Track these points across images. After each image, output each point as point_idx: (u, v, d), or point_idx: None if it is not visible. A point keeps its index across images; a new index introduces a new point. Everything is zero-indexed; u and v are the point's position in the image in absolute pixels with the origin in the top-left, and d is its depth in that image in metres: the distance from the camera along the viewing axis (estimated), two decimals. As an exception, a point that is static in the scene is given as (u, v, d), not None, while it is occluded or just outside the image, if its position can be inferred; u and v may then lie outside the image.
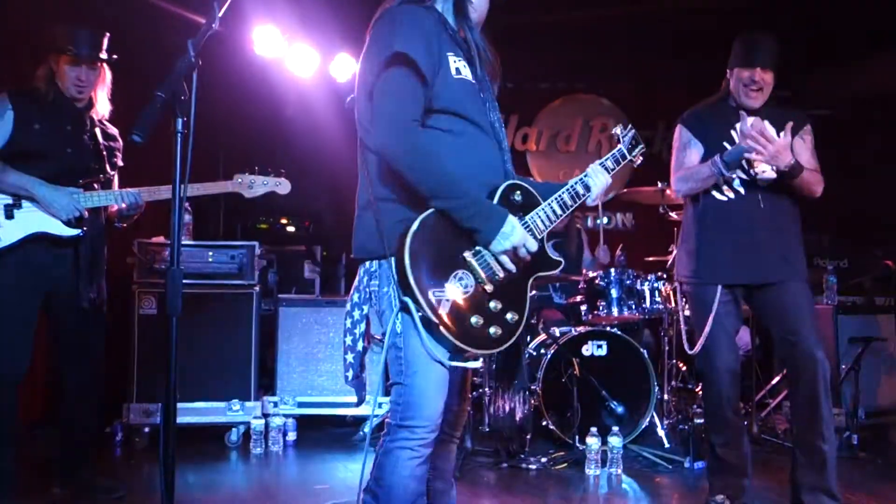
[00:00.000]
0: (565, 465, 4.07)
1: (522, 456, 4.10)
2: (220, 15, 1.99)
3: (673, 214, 4.56)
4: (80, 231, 3.21)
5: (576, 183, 2.21)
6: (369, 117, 1.96)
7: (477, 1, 2.10)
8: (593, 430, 3.99)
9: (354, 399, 4.99)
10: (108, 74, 3.35)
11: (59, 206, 3.13)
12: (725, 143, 3.14)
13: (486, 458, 4.16)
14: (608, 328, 4.52)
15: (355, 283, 2.08)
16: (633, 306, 4.47)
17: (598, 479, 3.88)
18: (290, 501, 3.52)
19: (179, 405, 3.99)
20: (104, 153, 3.35)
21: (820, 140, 3.25)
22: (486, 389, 4.63)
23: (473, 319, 1.90)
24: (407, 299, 1.87)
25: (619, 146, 2.41)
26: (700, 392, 4.49)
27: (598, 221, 5.74)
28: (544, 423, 4.29)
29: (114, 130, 3.45)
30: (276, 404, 4.67)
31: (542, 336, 4.73)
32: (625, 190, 5.27)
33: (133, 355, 4.45)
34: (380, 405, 4.77)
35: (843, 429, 4.43)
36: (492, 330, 1.94)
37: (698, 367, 3.29)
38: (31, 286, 3.18)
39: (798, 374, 3.05)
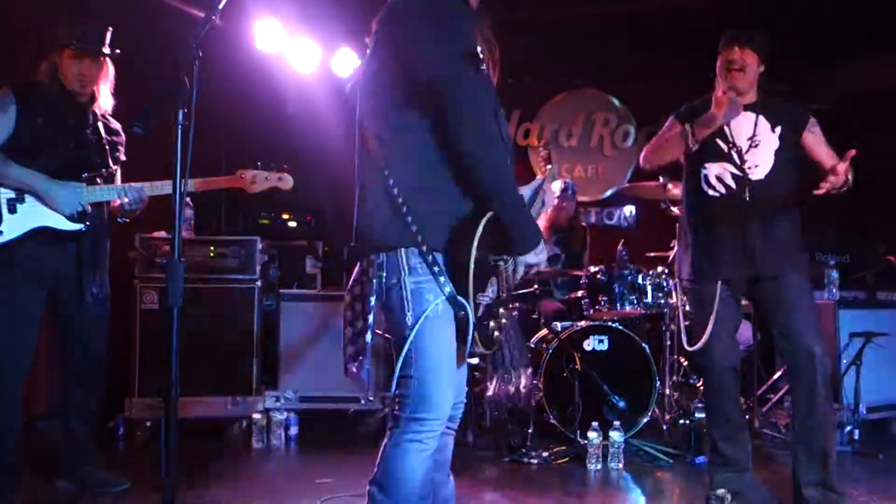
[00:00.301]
0: (566, 459, 4.08)
1: (524, 450, 4.11)
2: (220, 8, 1.98)
3: (674, 210, 4.56)
4: (83, 226, 3.21)
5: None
6: (387, 104, 1.94)
7: None
8: (594, 424, 3.99)
9: (356, 394, 5.02)
10: (110, 69, 3.35)
11: (62, 200, 3.13)
12: (717, 140, 3.13)
13: (487, 453, 4.16)
14: (610, 323, 4.52)
15: (355, 274, 2.06)
16: (635, 301, 4.47)
17: (600, 473, 3.89)
18: (292, 496, 3.52)
19: (181, 399, 4.00)
20: (107, 148, 3.35)
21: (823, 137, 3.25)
22: (488, 384, 4.62)
23: (492, 324, 1.98)
24: (460, 298, 1.90)
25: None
26: (701, 387, 4.50)
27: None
28: (546, 418, 4.29)
29: (116, 125, 3.45)
30: (277, 399, 4.68)
31: (544, 331, 4.73)
32: (627, 185, 5.27)
33: (135, 350, 4.46)
34: (381, 399, 4.78)
35: (844, 423, 4.43)
36: (496, 333, 2.02)
37: (699, 363, 3.30)
38: (35, 281, 3.18)
39: (797, 370, 3.05)
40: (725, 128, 3.08)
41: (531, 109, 7.10)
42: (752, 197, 3.08)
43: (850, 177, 2.97)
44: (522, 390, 4.49)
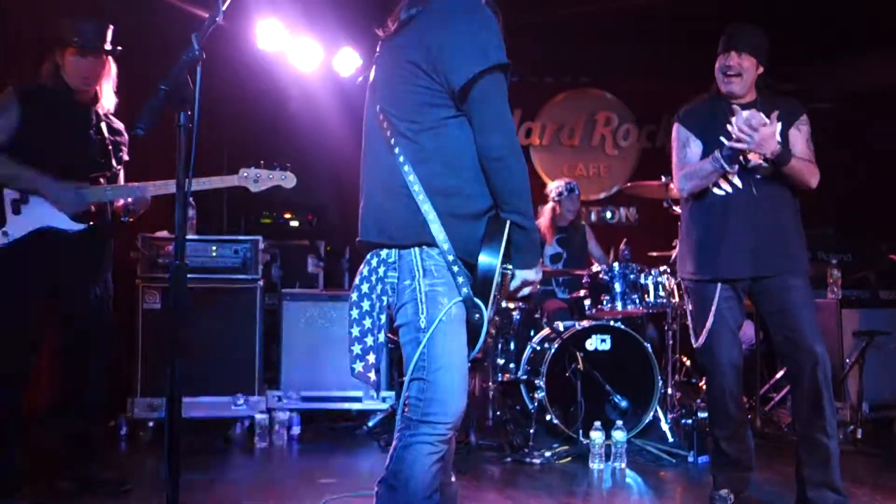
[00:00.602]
0: (569, 459, 4.08)
1: (526, 450, 4.11)
2: (223, 8, 1.98)
3: (676, 208, 4.54)
4: (86, 226, 3.21)
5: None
6: (416, 100, 1.93)
7: None
8: (597, 424, 3.99)
9: (359, 393, 5.02)
10: (113, 68, 3.34)
11: (65, 200, 3.14)
12: (722, 138, 3.12)
13: (490, 453, 4.16)
14: (612, 322, 4.52)
15: (362, 272, 2.03)
16: (637, 301, 4.46)
17: (602, 473, 3.89)
18: (295, 495, 3.52)
19: (184, 399, 3.99)
20: (110, 148, 3.35)
21: (823, 134, 3.24)
22: (490, 384, 4.63)
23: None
24: (478, 300, 1.91)
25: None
26: (703, 386, 4.49)
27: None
28: (548, 418, 4.29)
29: (119, 125, 3.45)
30: (280, 398, 4.68)
31: (546, 330, 4.72)
32: (628, 184, 5.27)
33: (137, 350, 4.46)
34: (383, 399, 4.79)
35: (847, 422, 4.43)
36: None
37: (701, 363, 3.29)
38: (39, 281, 3.18)
39: (799, 371, 3.04)
40: (729, 127, 3.08)
41: (533, 109, 7.10)
42: (756, 195, 3.08)
43: (778, 147, 2.93)
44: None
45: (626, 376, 4.36)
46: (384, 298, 1.98)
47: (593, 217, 7.03)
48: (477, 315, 1.91)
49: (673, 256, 4.80)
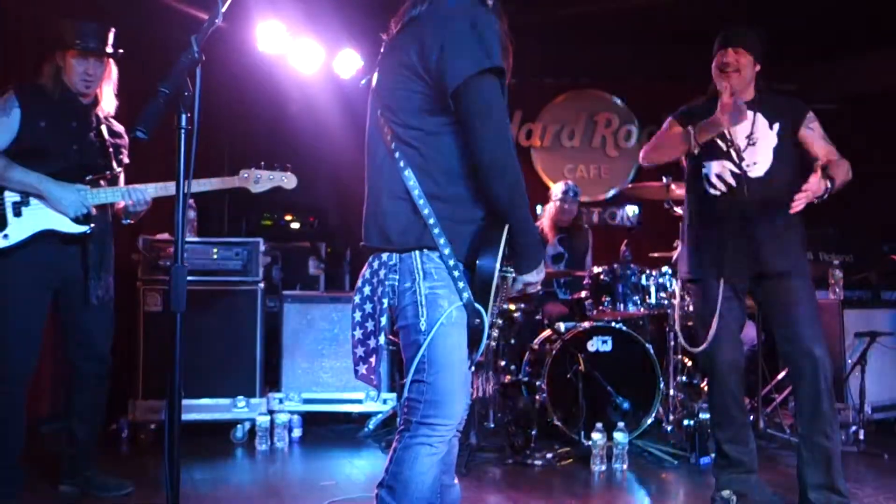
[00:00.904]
0: (571, 460, 4.07)
1: (528, 452, 4.10)
2: (223, 10, 1.98)
3: (677, 210, 4.54)
4: (87, 228, 3.21)
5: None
6: (416, 105, 1.93)
7: None
8: (598, 425, 3.98)
9: (360, 395, 5.02)
10: (114, 70, 3.34)
11: (66, 202, 3.13)
12: (717, 139, 3.12)
13: (491, 454, 4.16)
14: (613, 324, 4.51)
15: (364, 275, 2.04)
16: (638, 302, 4.46)
17: (604, 474, 3.88)
18: (296, 498, 3.52)
19: (185, 402, 3.99)
20: (110, 150, 3.34)
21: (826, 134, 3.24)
22: (491, 385, 4.62)
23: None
24: (478, 305, 1.91)
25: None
26: (705, 388, 4.48)
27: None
28: (549, 420, 4.28)
29: (119, 127, 3.45)
30: (281, 401, 4.68)
31: (547, 332, 4.72)
32: (629, 185, 5.26)
33: (138, 352, 4.45)
34: (384, 401, 4.78)
35: (849, 424, 4.42)
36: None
37: (703, 364, 3.29)
38: (40, 283, 3.18)
39: (798, 372, 3.05)
40: (725, 131, 3.08)
41: (533, 110, 7.10)
42: (751, 194, 3.08)
43: (828, 184, 2.95)
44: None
45: (628, 378, 4.36)
46: (385, 301, 1.98)
47: (595, 218, 7.02)
48: (477, 320, 1.91)
49: (674, 257, 4.80)
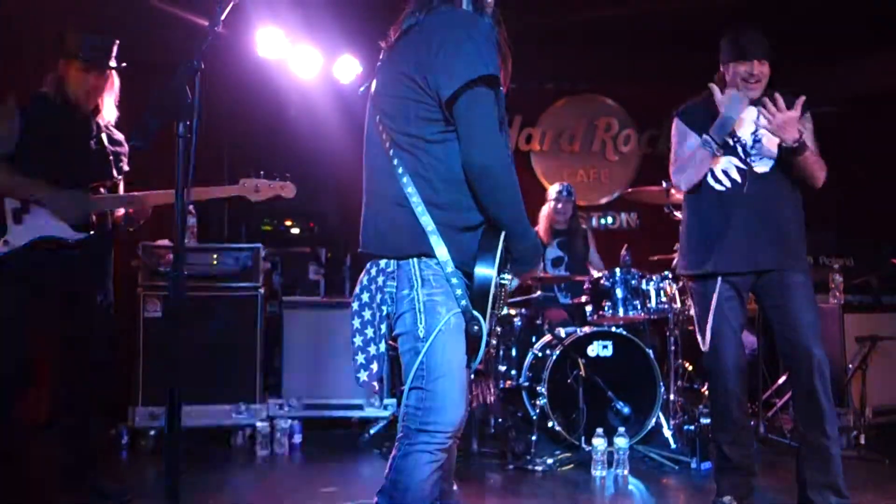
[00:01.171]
0: (571, 466, 4.07)
1: (528, 457, 4.09)
2: (223, 18, 1.98)
3: (677, 214, 4.54)
4: (87, 235, 3.21)
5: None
6: (414, 113, 1.93)
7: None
8: (599, 431, 3.98)
9: (360, 401, 5.01)
10: (116, 81, 3.37)
11: (66, 210, 3.14)
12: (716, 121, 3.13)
13: (492, 460, 4.15)
14: (613, 328, 4.51)
15: (362, 282, 2.04)
16: (639, 306, 4.45)
17: (605, 480, 3.87)
18: (296, 504, 3.51)
19: (184, 408, 3.99)
20: (111, 158, 3.36)
21: (825, 138, 3.24)
22: (492, 390, 4.62)
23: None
24: (476, 313, 1.91)
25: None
26: (706, 392, 4.48)
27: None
28: (550, 425, 4.28)
29: (119, 136, 3.46)
30: (281, 407, 4.67)
31: (548, 337, 4.72)
32: (629, 190, 5.27)
33: (138, 358, 4.45)
34: (385, 407, 4.78)
35: (850, 428, 4.42)
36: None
37: (705, 364, 3.28)
38: (40, 290, 3.18)
39: (796, 371, 3.06)
40: (719, 106, 3.09)
41: (533, 115, 7.10)
42: (756, 190, 3.09)
43: (799, 136, 2.97)
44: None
45: (628, 382, 4.36)
46: (384, 308, 1.99)
47: (594, 223, 7.02)
48: (476, 327, 1.91)
49: (674, 262, 4.80)
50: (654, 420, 4.32)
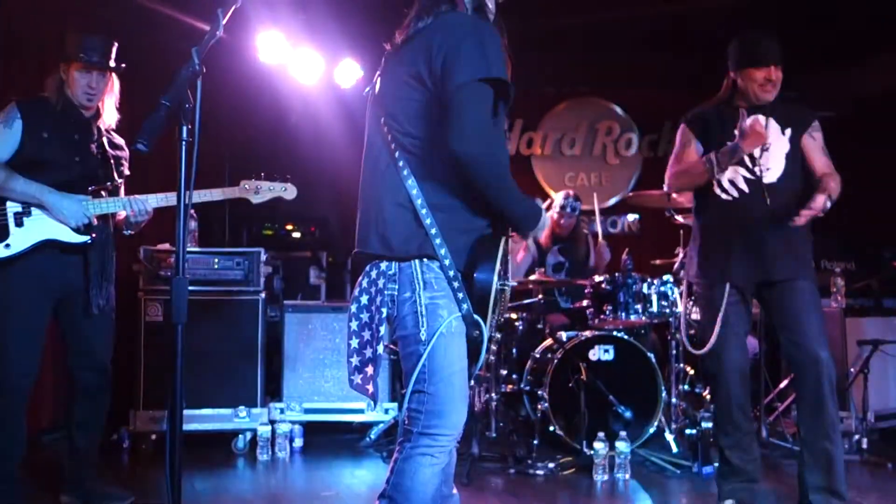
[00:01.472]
0: (573, 470, 4.06)
1: (530, 461, 4.09)
2: (224, 22, 1.98)
3: (679, 218, 4.55)
4: (88, 238, 3.22)
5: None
6: (420, 115, 1.94)
7: (491, 5, 2.10)
8: (601, 435, 3.97)
9: (361, 405, 5.01)
10: (116, 83, 3.37)
11: (68, 213, 3.14)
12: (728, 144, 3.13)
13: (493, 464, 4.14)
14: (615, 332, 4.50)
15: (361, 284, 2.04)
16: (640, 310, 4.45)
17: (606, 484, 3.87)
18: (297, 508, 3.51)
19: (186, 412, 4.00)
20: (111, 161, 3.36)
21: (826, 142, 3.24)
22: (493, 395, 4.61)
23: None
24: (477, 317, 1.92)
25: None
26: (708, 396, 4.48)
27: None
28: (551, 429, 4.27)
29: (120, 140, 3.47)
30: (282, 410, 4.67)
31: (549, 341, 4.72)
32: (631, 194, 5.27)
33: (139, 362, 4.45)
34: (386, 411, 4.77)
35: (852, 432, 4.41)
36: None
37: (708, 368, 3.29)
38: (41, 293, 3.18)
39: (802, 375, 3.05)
40: (737, 132, 3.09)
41: (534, 118, 7.11)
42: (764, 200, 3.09)
43: (828, 204, 3.00)
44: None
45: (630, 386, 4.35)
46: (383, 310, 1.98)
47: (596, 227, 7.01)
48: (476, 332, 1.91)
49: (676, 265, 4.80)
50: (655, 424, 4.31)
